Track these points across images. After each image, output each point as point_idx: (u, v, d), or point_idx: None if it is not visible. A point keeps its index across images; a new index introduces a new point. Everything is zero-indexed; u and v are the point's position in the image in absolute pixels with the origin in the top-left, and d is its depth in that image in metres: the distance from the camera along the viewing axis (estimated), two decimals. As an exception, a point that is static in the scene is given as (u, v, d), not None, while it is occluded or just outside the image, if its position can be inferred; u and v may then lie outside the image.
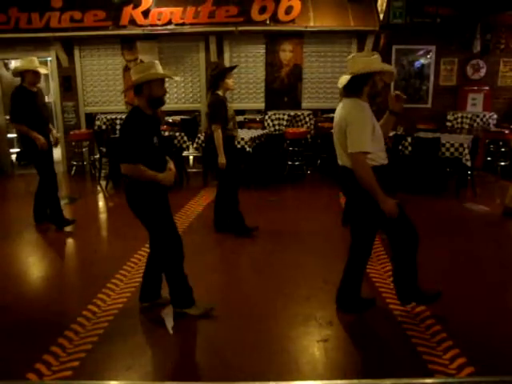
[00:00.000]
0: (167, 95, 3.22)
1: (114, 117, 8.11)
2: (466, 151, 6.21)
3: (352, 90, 3.04)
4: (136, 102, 3.05)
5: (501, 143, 7.64)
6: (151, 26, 8.00)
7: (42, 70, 5.17)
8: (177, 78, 8.17)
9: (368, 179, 2.90)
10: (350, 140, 2.93)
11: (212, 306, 3.30)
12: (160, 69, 3.06)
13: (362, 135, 2.91)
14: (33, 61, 5.03)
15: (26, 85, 5.05)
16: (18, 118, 5.01)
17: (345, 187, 3.27)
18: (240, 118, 8.41)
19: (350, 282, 3.29)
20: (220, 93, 4.72)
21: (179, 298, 3.24)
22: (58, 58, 8.38)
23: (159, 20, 7.96)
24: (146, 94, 3.00)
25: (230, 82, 4.75)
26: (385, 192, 2.94)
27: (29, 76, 5.01)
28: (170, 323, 3.23)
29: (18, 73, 5.09)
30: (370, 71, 2.98)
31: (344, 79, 3.04)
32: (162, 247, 3.15)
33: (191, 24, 7.96)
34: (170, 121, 8.37)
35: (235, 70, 8.39)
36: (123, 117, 7.80)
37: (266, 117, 8.15)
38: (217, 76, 4.69)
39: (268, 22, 7.98)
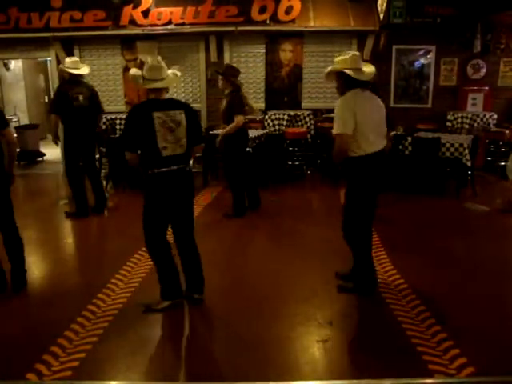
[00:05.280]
0: (167, 95, 3.30)
1: (113, 117, 8.10)
2: (466, 151, 6.21)
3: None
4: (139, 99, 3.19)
5: (501, 143, 7.63)
6: (151, 25, 8.00)
7: (84, 71, 5.67)
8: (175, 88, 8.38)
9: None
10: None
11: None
12: (166, 73, 3.19)
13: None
14: (77, 62, 5.58)
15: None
16: (54, 109, 5.50)
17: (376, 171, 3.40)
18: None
19: (362, 268, 3.53)
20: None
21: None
22: (57, 58, 8.37)
23: (159, 20, 7.96)
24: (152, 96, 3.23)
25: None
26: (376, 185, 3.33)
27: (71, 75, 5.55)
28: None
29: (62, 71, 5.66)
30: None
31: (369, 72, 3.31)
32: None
33: (191, 24, 7.96)
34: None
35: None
36: (123, 116, 7.81)
37: (266, 117, 8.14)
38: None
39: (268, 21, 7.98)
